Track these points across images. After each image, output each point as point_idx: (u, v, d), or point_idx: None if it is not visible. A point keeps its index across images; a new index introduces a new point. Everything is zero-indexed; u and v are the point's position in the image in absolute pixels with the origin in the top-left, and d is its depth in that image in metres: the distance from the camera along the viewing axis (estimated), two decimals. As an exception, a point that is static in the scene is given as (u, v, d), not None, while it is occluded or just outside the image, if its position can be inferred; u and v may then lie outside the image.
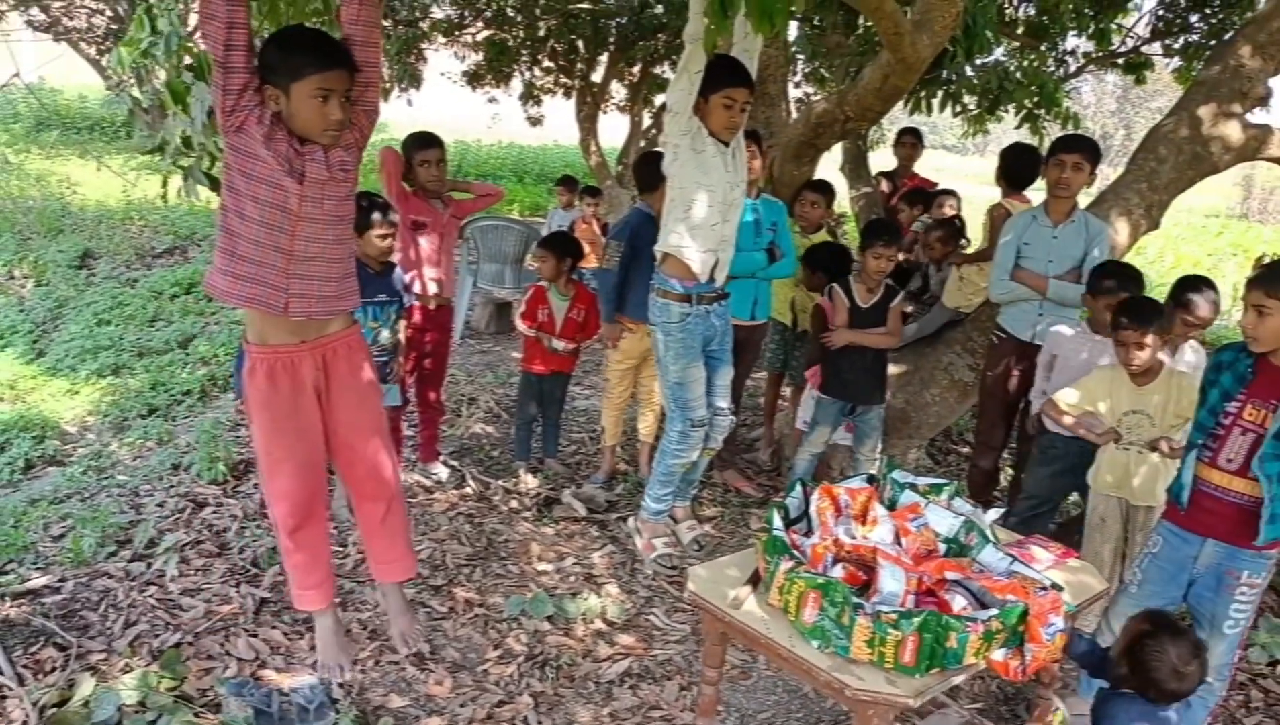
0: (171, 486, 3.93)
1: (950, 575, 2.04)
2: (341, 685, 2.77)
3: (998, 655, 1.92)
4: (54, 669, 2.68)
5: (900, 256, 4.81)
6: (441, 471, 4.29)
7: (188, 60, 3.12)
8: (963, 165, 29.77)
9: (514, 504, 4.13)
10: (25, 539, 3.37)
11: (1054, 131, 5.29)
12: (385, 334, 3.65)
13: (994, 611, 1.93)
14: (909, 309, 4.67)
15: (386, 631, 3.05)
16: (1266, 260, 4.08)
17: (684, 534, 3.84)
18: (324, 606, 2.49)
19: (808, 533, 2.26)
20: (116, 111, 14.96)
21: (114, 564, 3.26)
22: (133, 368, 5.44)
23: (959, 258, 4.72)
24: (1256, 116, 4.31)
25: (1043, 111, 5.52)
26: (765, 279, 4.09)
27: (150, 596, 3.09)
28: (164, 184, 3.27)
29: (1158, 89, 20.72)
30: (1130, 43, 7.03)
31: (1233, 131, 4.16)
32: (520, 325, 4.34)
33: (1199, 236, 15.44)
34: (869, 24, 4.67)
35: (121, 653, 2.77)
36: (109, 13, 12.78)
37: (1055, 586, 2.03)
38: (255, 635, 2.96)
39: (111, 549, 3.35)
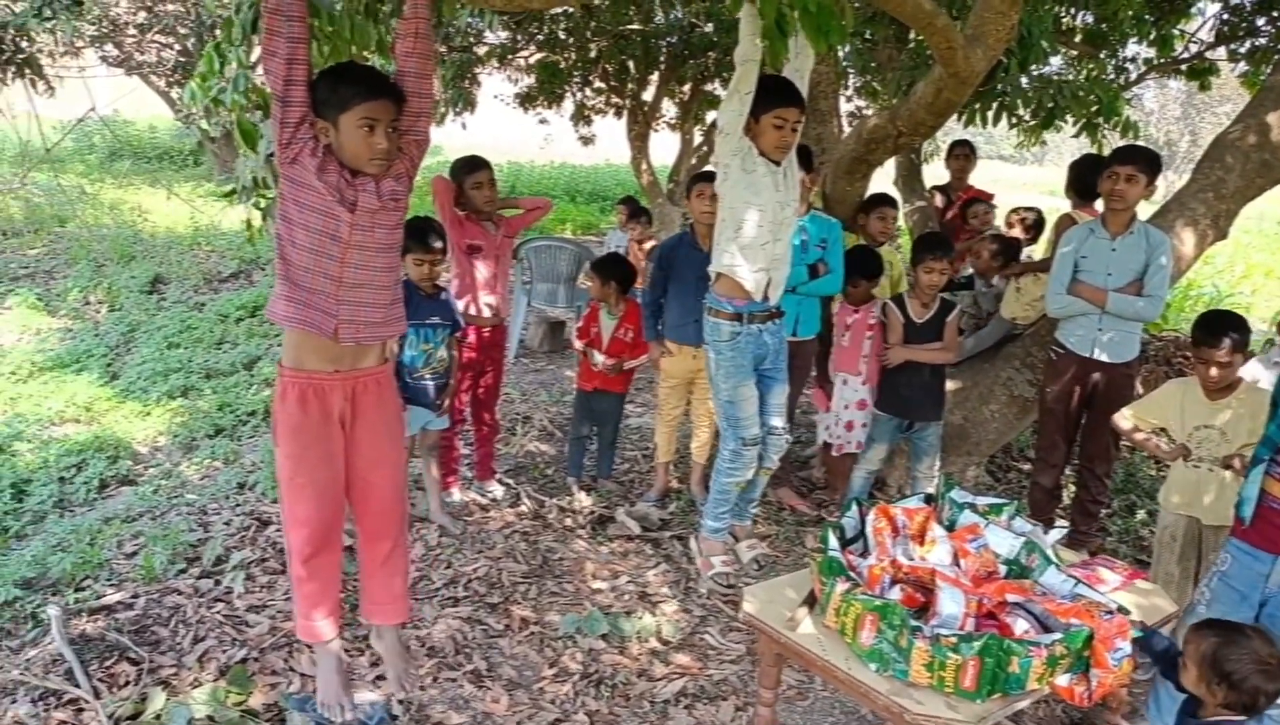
0: (237, 505, 4.04)
1: (1011, 598, 2.01)
2: (401, 702, 2.81)
3: (1062, 680, 1.88)
4: (127, 683, 2.77)
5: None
6: (497, 490, 4.34)
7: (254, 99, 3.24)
8: (1020, 175, 29.26)
9: (568, 522, 4.16)
10: (100, 556, 3.49)
11: (1115, 141, 5.18)
12: (440, 355, 3.72)
13: (1058, 636, 1.88)
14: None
15: (443, 649, 3.10)
16: None
17: (744, 553, 3.82)
18: (329, 639, 2.47)
19: (864, 553, 2.24)
20: (185, 142, 15.53)
21: (183, 581, 3.36)
22: (201, 389, 5.61)
23: (1016, 269, 4.65)
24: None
25: (1102, 121, 5.40)
26: (808, 295, 4.07)
27: (218, 613, 3.18)
28: (248, 224, 3.39)
29: (1224, 95, 20.12)
30: (1193, 48, 6.87)
31: (1303, 138, 4.04)
32: (575, 341, 4.40)
33: (1271, 245, 14.93)
34: (920, 38, 4.62)
35: (191, 668, 2.85)
36: (178, 47, 13.29)
37: (1122, 609, 1.98)
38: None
39: (181, 566, 3.46)
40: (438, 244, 3.61)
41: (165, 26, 12.22)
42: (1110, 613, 1.93)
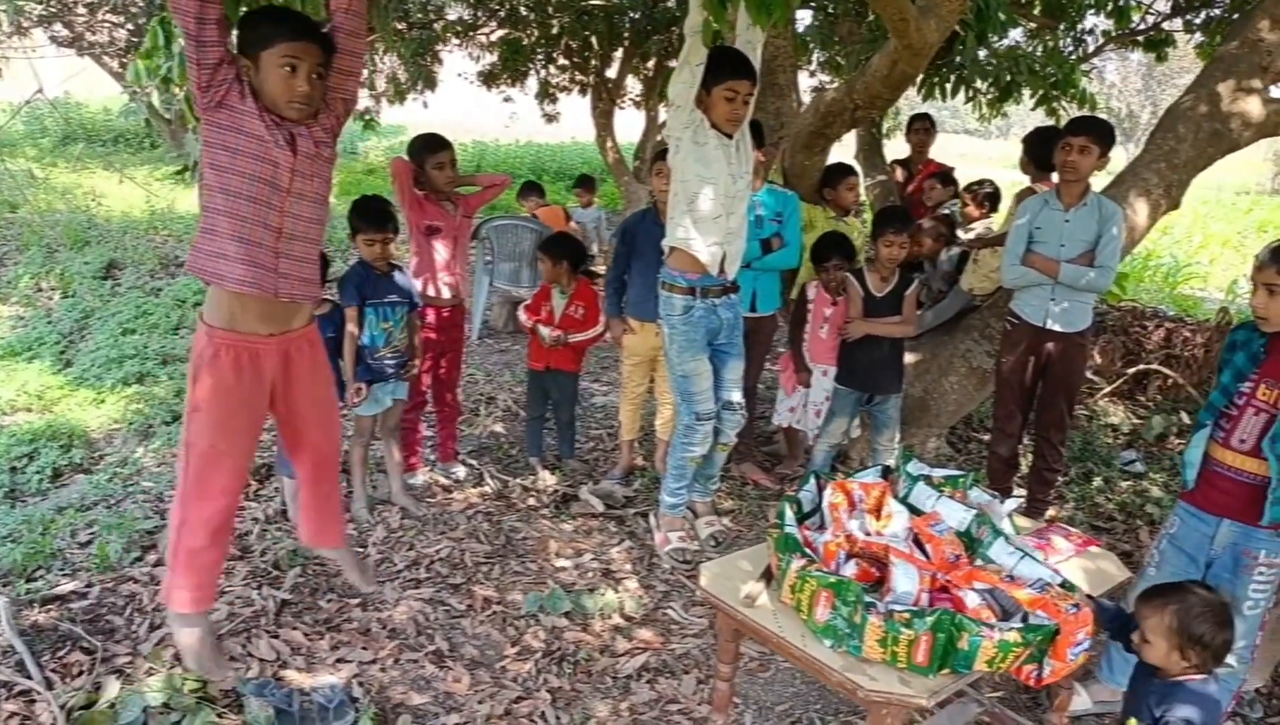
0: (195, 491, 3.97)
1: (980, 585, 1.99)
2: (361, 684, 2.80)
3: (1014, 665, 1.88)
4: (81, 673, 2.72)
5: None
6: (460, 471, 4.31)
7: None
8: (986, 149, 29.50)
9: (532, 501, 4.15)
10: (53, 546, 3.43)
11: (1072, 113, 5.22)
12: (398, 334, 3.68)
13: (1015, 624, 1.88)
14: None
15: (405, 630, 3.09)
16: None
17: (702, 529, 3.84)
18: (202, 611, 2.34)
19: (821, 528, 2.25)
20: (134, 122, 15.17)
21: (139, 569, 3.31)
22: (156, 376, 5.51)
23: (975, 243, 4.68)
24: (1278, 91, 4.23)
25: (1059, 94, 5.43)
26: (763, 270, 4.06)
27: (174, 600, 3.13)
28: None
29: (1184, 66, 20.35)
30: (1151, 20, 6.91)
31: (1253, 107, 4.09)
32: (521, 316, 4.38)
33: (1229, 214, 15.16)
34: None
35: (147, 656, 2.81)
36: (130, 26, 12.95)
37: (1067, 585, 1.99)
38: (276, 636, 3.00)
39: (136, 554, 3.40)
40: (389, 224, 3.56)
41: (115, 5, 11.88)
42: (1076, 606, 1.91)
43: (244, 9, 2.92)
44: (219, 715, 2.60)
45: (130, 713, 2.53)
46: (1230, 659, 2.42)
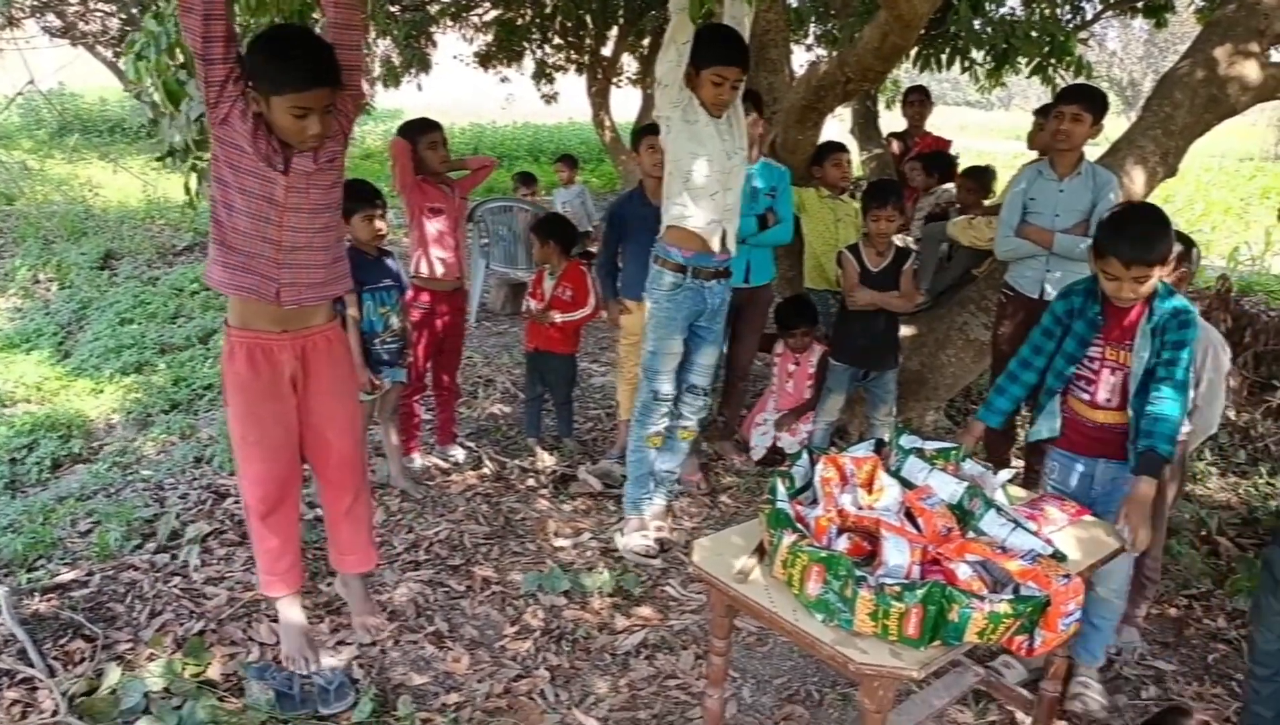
0: (194, 479, 4.00)
1: (971, 558, 1.99)
2: (362, 665, 2.82)
3: (1005, 637, 1.88)
4: (82, 660, 2.75)
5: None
6: (458, 453, 4.32)
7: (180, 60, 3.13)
8: (987, 119, 29.24)
9: (531, 482, 4.16)
10: (53, 535, 3.45)
11: (1069, 82, 5.17)
12: (394, 319, 3.68)
13: (1005, 596, 1.88)
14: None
15: (404, 611, 3.10)
16: None
17: (647, 536, 3.63)
18: (291, 593, 2.52)
19: (813, 503, 2.24)
20: (138, 118, 15.15)
21: (139, 556, 3.33)
22: (155, 365, 5.53)
23: (981, 209, 4.66)
24: (1276, 55, 4.19)
25: (1054, 62, 5.39)
26: (758, 246, 4.05)
27: (175, 586, 3.15)
28: (186, 188, 3.30)
29: (1185, 32, 20.13)
30: (1148, -15, 6.82)
31: (1250, 71, 4.04)
32: (526, 303, 4.43)
33: (1231, 181, 15.04)
34: (871, -18, 4.59)
35: (148, 642, 2.83)
36: (122, 15, 12.87)
37: (1058, 555, 1.99)
38: (277, 620, 3.00)
39: (136, 542, 3.42)
40: (378, 198, 3.56)
41: (107, -7, 11.82)
42: (1067, 577, 1.92)
43: (245, 18, 2.92)
44: (220, 699, 2.62)
45: (131, 698, 2.55)
46: (1105, 591, 2.65)
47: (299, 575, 2.53)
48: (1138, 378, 2.47)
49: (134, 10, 12.25)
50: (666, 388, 3.45)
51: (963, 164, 5.56)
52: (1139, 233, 2.35)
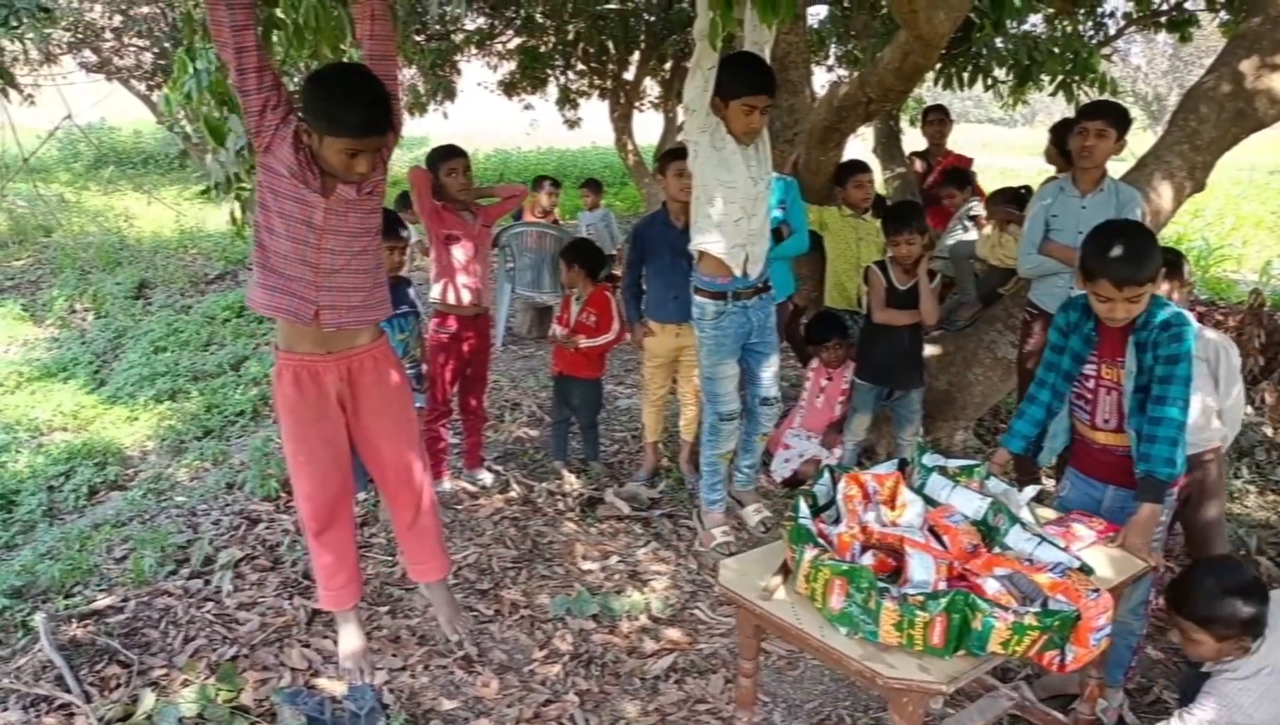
0: (226, 505, 4.05)
1: (1000, 572, 1.98)
2: (392, 690, 2.83)
3: (1032, 650, 1.87)
4: (118, 685, 2.78)
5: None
6: (486, 477, 4.34)
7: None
8: (1010, 137, 29.07)
9: (558, 505, 4.17)
10: (90, 562, 3.51)
11: (1093, 98, 5.15)
12: (413, 345, 3.74)
13: (1034, 609, 1.86)
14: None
15: (434, 636, 3.12)
16: None
17: (750, 517, 3.85)
18: (348, 607, 2.58)
19: (836, 521, 2.24)
20: (171, 148, 15.51)
21: (173, 582, 3.37)
22: (188, 392, 5.62)
23: (1008, 216, 4.65)
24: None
25: (1078, 79, 5.37)
26: (775, 259, 4.05)
27: (208, 612, 3.19)
28: (233, 217, 3.40)
29: (1210, 46, 19.96)
30: (1172, 0, 6.80)
31: (1277, 84, 4.00)
32: (553, 328, 4.47)
33: (1261, 194, 14.82)
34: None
35: (181, 668, 2.86)
36: (155, 50, 13.20)
37: (1085, 569, 1.97)
38: (308, 645, 3.04)
39: (171, 568, 3.47)
40: (402, 231, 3.62)
41: (141, 29, 12.12)
42: (1096, 591, 1.90)
43: (284, 49, 3.00)
44: (253, 724, 2.64)
45: (166, 724, 2.58)
46: (1128, 616, 2.60)
47: (355, 591, 2.59)
48: (1131, 396, 2.43)
49: (167, 45, 12.59)
50: (730, 407, 3.54)
51: (983, 180, 5.56)
52: (1127, 253, 2.30)
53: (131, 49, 13.37)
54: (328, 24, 3.15)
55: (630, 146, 11.81)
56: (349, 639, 2.63)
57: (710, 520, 3.77)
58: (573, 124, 12.64)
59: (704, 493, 3.76)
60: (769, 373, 3.59)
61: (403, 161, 18.22)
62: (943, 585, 1.95)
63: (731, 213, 3.21)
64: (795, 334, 4.84)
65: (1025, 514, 2.22)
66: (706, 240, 3.26)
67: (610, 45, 10.82)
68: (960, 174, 5.53)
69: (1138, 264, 2.28)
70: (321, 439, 2.34)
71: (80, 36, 12.21)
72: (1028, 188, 5.10)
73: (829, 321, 4.29)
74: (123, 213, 11.28)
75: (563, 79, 12.00)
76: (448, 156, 3.94)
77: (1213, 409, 2.94)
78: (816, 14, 7.58)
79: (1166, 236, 8.64)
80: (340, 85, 2.14)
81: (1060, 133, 4.51)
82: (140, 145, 17.26)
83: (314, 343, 2.29)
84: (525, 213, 7.14)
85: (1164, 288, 2.59)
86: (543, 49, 10.84)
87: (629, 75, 11.94)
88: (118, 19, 12.16)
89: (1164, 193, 4.05)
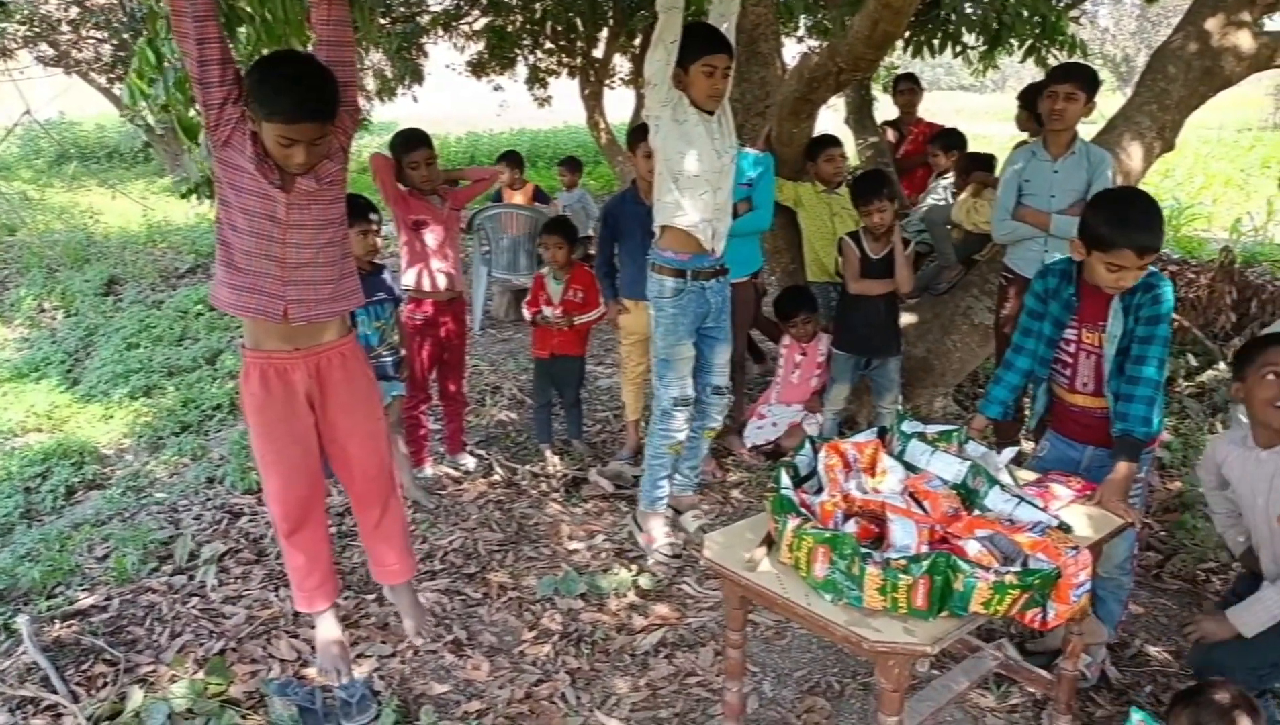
0: (207, 499, 4.02)
1: (981, 533, 2.00)
2: (383, 677, 2.83)
3: (1014, 609, 1.89)
4: (105, 684, 2.77)
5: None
6: (469, 461, 4.34)
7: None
8: (982, 103, 29.15)
9: (542, 487, 4.17)
10: (71, 562, 3.47)
11: (1062, 61, 5.16)
12: (391, 332, 3.70)
13: (1014, 568, 1.89)
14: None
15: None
16: None
17: (689, 523, 3.71)
18: (324, 607, 2.54)
19: (818, 491, 2.25)
20: (135, 142, 15.26)
21: (157, 579, 3.35)
22: (164, 387, 5.56)
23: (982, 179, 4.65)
24: (1269, 24, 4.18)
25: (1047, 42, 5.38)
26: (735, 235, 4.02)
27: (193, 607, 3.18)
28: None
29: (1178, 5, 20.07)
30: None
31: (1243, 41, 4.02)
32: (526, 314, 4.40)
33: (1230, 152, 14.98)
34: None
35: (169, 663, 2.85)
36: (114, 41, 12.94)
37: (1064, 526, 1.99)
38: (296, 636, 3.03)
39: (154, 565, 3.45)
40: (372, 215, 3.57)
41: (98, 21, 11.88)
42: (1075, 548, 1.93)
43: (249, 47, 2.93)
44: (243, 716, 2.64)
45: (155, 720, 2.58)
46: (1117, 573, 2.67)
47: (329, 591, 2.54)
48: (1111, 359, 2.46)
49: (126, 36, 12.34)
50: (684, 392, 3.40)
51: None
52: (1147, 221, 2.32)
53: (90, 41, 13.11)
54: (296, 15, 3.09)
55: (602, 125, 11.73)
56: (325, 639, 2.57)
57: (650, 524, 3.59)
58: (543, 102, 12.53)
59: (645, 489, 3.57)
60: (721, 360, 3.49)
61: (372, 147, 18.06)
62: (925, 549, 1.97)
63: (698, 187, 3.17)
64: (760, 315, 4.81)
65: (1004, 476, 2.24)
66: (673, 215, 3.22)
67: (578, 22, 10.72)
68: (953, 135, 5.42)
69: (1158, 232, 2.32)
70: (289, 437, 2.31)
71: (36, 30, 11.95)
72: (992, 156, 5.09)
73: (796, 296, 4.27)
74: (89, 209, 11.10)
75: (531, 58, 11.87)
76: (410, 148, 3.86)
77: None
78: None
79: (1137, 197, 8.69)
80: (278, 70, 2.10)
81: (1029, 97, 4.51)
82: (104, 139, 16.97)
83: (281, 339, 2.25)
84: (504, 194, 7.08)
85: None
86: (510, 28, 10.71)
87: (598, 53, 11.84)
88: (74, 11, 11.91)
89: (1134, 153, 4.08)
